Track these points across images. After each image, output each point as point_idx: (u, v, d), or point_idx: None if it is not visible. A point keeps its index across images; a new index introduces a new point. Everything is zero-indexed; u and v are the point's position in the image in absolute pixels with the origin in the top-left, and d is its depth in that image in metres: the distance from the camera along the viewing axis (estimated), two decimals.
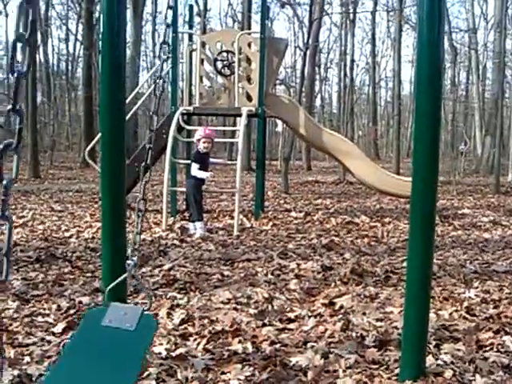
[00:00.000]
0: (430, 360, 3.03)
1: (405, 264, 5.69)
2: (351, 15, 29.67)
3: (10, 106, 1.48)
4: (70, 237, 6.99)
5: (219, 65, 9.22)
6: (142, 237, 7.07)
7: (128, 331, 2.08)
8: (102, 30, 2.71)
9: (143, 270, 5.31)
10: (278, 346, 3.32)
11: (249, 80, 9.07)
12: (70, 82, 33.26)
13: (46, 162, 21.43)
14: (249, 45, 8.97)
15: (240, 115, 8.62)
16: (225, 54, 9.20)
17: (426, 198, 2.83)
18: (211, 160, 8.20)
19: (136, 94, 10.45)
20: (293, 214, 9.50)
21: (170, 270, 5.33)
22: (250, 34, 9.59)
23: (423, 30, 2.71)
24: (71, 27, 34.88)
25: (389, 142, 41.64)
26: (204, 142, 7.62)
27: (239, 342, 3.32)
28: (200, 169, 7.62)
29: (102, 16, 2.70)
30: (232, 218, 8.74)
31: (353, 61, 30.96)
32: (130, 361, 1.99)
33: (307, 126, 8.87)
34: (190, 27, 10.06)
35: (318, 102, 38.12)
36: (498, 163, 15.29)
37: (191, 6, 9.84)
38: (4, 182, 1.55)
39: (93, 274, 5.11)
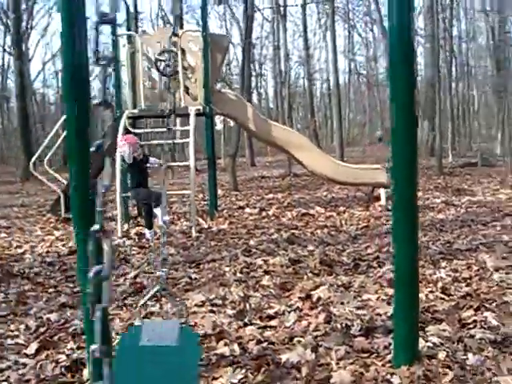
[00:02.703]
0: (419, 343, 3.01)
1: (369, 251, 5.75)
2: (282, 10, 29.80)
3: None
4: (24, 253, 6.70)
5: (161, 65, 9.04)
6: None
7: (170, 347, 1.98)
8: (61, 30, 2.57)
9: None
10: (264, 344, 3.24)
11: (193, 80, 8.93)
12: (1, 94, 32.21)
13: None
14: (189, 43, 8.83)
15: (187, 115, 8.47)
16: (166, 54, 9.02)
17: (408, 181, 2.81)
18: (152, 160, 7.98)
19: None
20: (247, 210, 9.43)
21: (135, 277, 5.18)
22: (192, 31, 9.42)
23: (392, 12, 2.69)
24: None
25: (327, 132, 42.16)
26: (134, 152, 7.47)
27: (225, 344, 3.22)
28: (140, 175, 7.58)
29: (61, 16, 2.55)
30: (187, 219, 8.61)
31: (287, 55, 31.12)
32: (186, 378, 1.90)
33: (256, 122, 8.81)
34: (129, 29, 9.82)
35: (254, 97, 38.22)
36: (439, 146, 15.63)
37: (128, 8, 9.60)
38: None
39: (56, 289, 4.91)
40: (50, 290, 4.89)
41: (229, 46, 9.54)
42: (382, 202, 9.01)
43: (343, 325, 3.42)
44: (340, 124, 17.91)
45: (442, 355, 2.89)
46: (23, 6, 25.25)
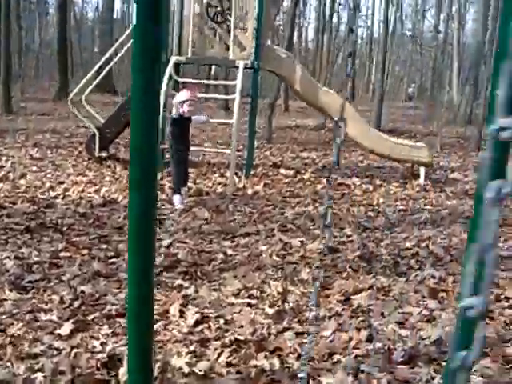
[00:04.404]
0: None
1: (408, 244, 5.57)
2: None
3: None
4: (56, 197, 6.65)
5: (211, 11, 8.71)
6: None
7: None
8: None
9: None
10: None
11: (243, 29, 8.60)
12: (40, 6, 31.78)
13: (17, 92, 20.51)
14: None
15: (234, 67, 8.20)
16: (217, 0, 8.68)
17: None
18: (196, 117, 7.47)
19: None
20: (282, 171, 9.24)
21: (169, 246, 5.09)
22: None
23: None
24: None
25: (364, 82, 41.32)
26: (189, 105, 6.67)
27: (265, 356, 3.13)
28: (180, 136, 6.85)
29: None
30: (222, 175, 8.48)
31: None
32: None
33: (303, 83, 8.52)
34: None
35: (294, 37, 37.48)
36: (482, 117, 14.98)
37: None
38: None
39: (89, 251, 4.83)
40: (84, 251, 4.81)
41: None
42: (421, 181, 8.77)
43: (386, 347, 3.30)
44: (382, 82, 17.34)
45: None
46: None
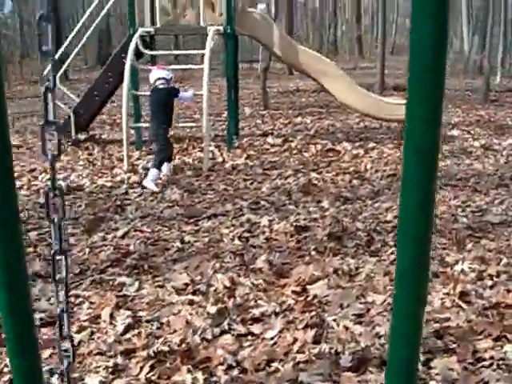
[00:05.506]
0: None
1: (389, 216, 5.12)
2: None
3: None
4: (21, 188, 6.27)
5: None
6: (101, 182, 6.44)
7: None
8: None
9: (94, 238, 4.68)
10: (235, 372, 2.75)
11: None
12: None
13: (17, 76, 20.04)
14: None
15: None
16: None
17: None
18: (182, 95, 7.03)
19: None
20: (269, 140, 8.77)
21: (123, 236, 4.71)
22: None
23: None
24: None
25: (373, 38, 40.04)
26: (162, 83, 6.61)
27: (188, 371, 2.73)
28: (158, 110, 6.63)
29: None
30: (202, 150, 8.03)
31: None
32: None
33: (282, 45, 7.98)
34: None
35: None
36: (488, 65, 14.28)
37: None
38: None
39: (35, 248, 4.47)
40: (29, 249, 4.45)
41: None
42: None
43: (332, 350, 2.88)
44: (384, 28, 16.37)
45: None
46: None
